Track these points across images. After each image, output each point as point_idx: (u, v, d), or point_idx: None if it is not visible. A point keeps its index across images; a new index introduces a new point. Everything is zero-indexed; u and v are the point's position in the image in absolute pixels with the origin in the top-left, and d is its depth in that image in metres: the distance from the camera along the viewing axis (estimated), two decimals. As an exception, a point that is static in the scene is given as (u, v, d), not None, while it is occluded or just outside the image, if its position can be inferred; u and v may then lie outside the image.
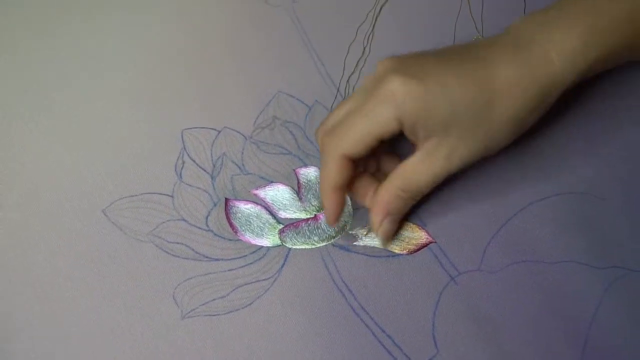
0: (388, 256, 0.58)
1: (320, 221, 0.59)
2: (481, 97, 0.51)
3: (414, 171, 0.53)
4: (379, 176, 0.58)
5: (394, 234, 0.58)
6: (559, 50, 0.52)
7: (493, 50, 0.53)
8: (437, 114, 0.51)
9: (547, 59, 0.52)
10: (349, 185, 0.56)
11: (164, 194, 0.59)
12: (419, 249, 0.58)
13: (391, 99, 0.51)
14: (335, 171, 0.54)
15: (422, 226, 0.59)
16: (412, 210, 0.59)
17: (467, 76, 0.51)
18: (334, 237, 0.58)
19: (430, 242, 0.58)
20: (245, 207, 0.60)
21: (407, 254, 0.58)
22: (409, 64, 0.52)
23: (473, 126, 0.51)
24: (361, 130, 0.52)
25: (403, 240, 0.59)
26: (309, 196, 0.60)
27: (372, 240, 0.58)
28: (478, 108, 0.51)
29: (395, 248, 0.58)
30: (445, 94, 0.51)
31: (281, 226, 0.59)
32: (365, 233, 0.58)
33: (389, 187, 0.54)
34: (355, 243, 0.58)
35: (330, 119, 0.55)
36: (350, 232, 0.59)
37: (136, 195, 0.59)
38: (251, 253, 0.58)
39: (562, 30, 0.52)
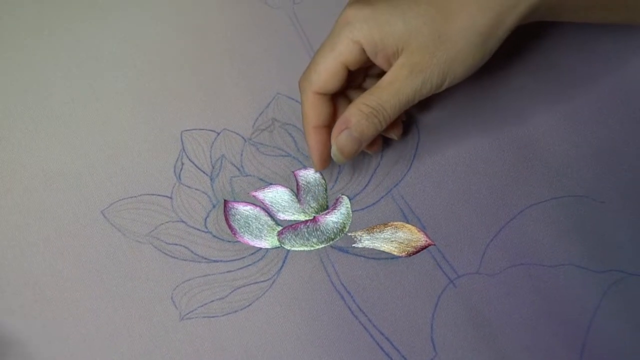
0: (387, 258, 0.58)
1: (319, 223, 0.59)
2: (437, 12, 0.51)
3: (378, 87, 0.54)
4: None
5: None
6: None
7: None
8: (392, 30, 0.52)
9: None
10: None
11: (163, 196, 0.59)
12: (417, 252, 0.58)
13: (344, 24, 0.53)
14: (310, 109, 0.56)
15: (421, 228, 0.59)
16: (411, 213, 0.59)
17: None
18: (332, 239, 0.59)
19: (429, 245, 0.58)
20: (244, 209, 0.60)
21: (406, 256, 0.58)
22: None
23: (433, 41, 0.52)
24: (324, 61, 0.54)
25: (402, 243, 0.58)
26: (307, 198, 0.60)
27: (371, 242, 0.58)
28: (435, 23, 0.51)
29: (394, 250, 0.58)
30: (397, 12, 0.52)
31: (280, 228, 0.59)
32: (364, 235, 0.59)
33: (353, 102, 0.55)
34: (354, 245, 0.58)
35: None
36: (349, 234, 0.59)
37: (135, 197, 0.59)
38: (250, 255, 0.58)
39: None
